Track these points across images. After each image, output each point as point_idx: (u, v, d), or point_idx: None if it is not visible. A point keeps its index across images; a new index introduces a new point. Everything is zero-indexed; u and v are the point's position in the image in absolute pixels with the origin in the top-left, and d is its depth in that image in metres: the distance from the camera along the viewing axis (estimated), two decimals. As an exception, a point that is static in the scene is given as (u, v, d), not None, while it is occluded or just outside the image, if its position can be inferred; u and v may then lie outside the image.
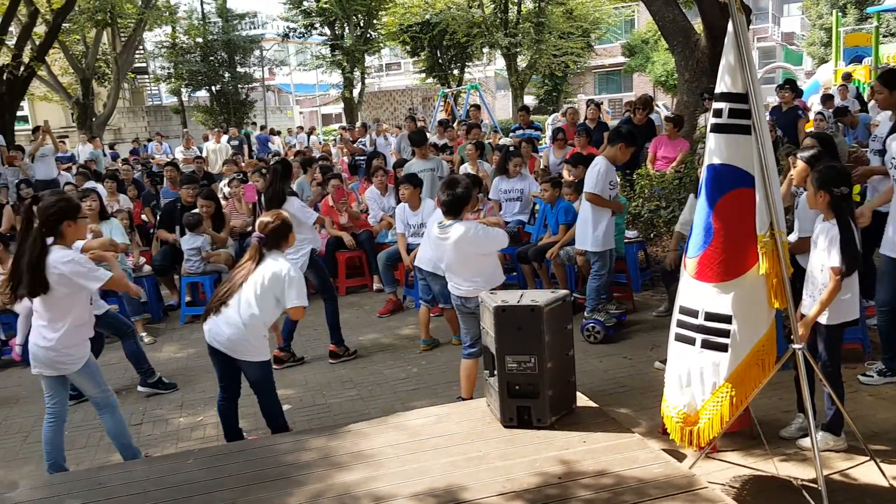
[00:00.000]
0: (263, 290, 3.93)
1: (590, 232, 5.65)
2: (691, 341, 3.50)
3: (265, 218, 4.11)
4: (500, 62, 29.89)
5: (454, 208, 4.32)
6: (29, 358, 3.94)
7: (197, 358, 6.22)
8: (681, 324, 3.56)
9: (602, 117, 11.27)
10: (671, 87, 26.96)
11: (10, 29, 14.46)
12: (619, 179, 6.12)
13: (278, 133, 22.71)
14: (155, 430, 4.80)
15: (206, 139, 16.45)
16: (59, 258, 3.68)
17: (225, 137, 17.02)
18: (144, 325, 6.91)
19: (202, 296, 7.60)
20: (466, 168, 8.48)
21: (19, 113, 15.73)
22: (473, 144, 8.93)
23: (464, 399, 4.46)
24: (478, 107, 14.39)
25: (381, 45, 29.56)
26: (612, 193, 5.70)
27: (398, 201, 7.08)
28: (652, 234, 8.02)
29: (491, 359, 3.75)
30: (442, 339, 6.03)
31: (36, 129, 11.83)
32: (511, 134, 14.68)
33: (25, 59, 13.11)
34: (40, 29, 15.51)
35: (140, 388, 5.44)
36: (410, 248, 6.64)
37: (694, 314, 3.49)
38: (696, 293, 3.50)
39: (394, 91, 33.99)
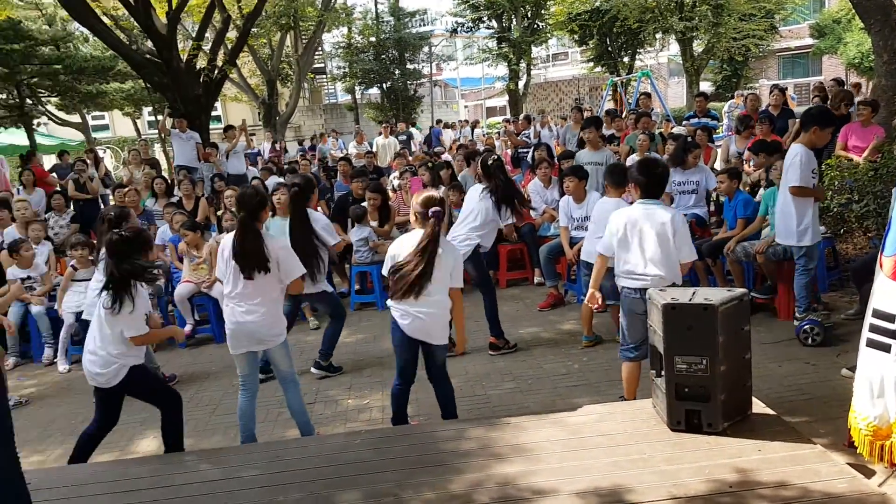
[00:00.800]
0: (445, 272, 4.02)
1: (794, 226, 5.27)
2: (886, 348, 3.17)
3: (433, 194, 4.18)
4: (674, 48, 28.66)
5: (656, 190, 4.17)
6: (227, 337, 4.26)
7: (365, 344, 6.50)
8: (874, 328, 3.23)
9: (787, 104, 10.45)
10: (866, 69, 24.57)
11: (206, 35, 15.81)
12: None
13: (451, 126, 23.25)
14: (326, 410, 5.05)
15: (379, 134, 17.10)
16: (276, 243, 4.14)
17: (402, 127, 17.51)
18: (311, 312, 7.29)
19: (370, 284, 7.92)
20: (636, 159, 8.19)
21: (213, 113, 17.18)
22: (646, 134, 8.60)
23: (626, 400, 4.32)
24: (648, 95, 13.88)
25: (549, 35, 29.32)
26: (815, 181, 5.29)
27: (562, 194, 6.97)
28: (842, 230, 7.33)
29: (658, 358, 3.59)
30: (605, 336, 5.88)
31: (228, 128, 12.82)
32: (684, 122, 14.03)
33: (219, 63, 14.24)
34: (232, 34, 16.84)
35: (314, 370, 5.75)
36: (573, 242, 6.53)
37: (891, 318, 3.15)
38: (893, 296, 3.15)
39: (560, 81, 33.59)
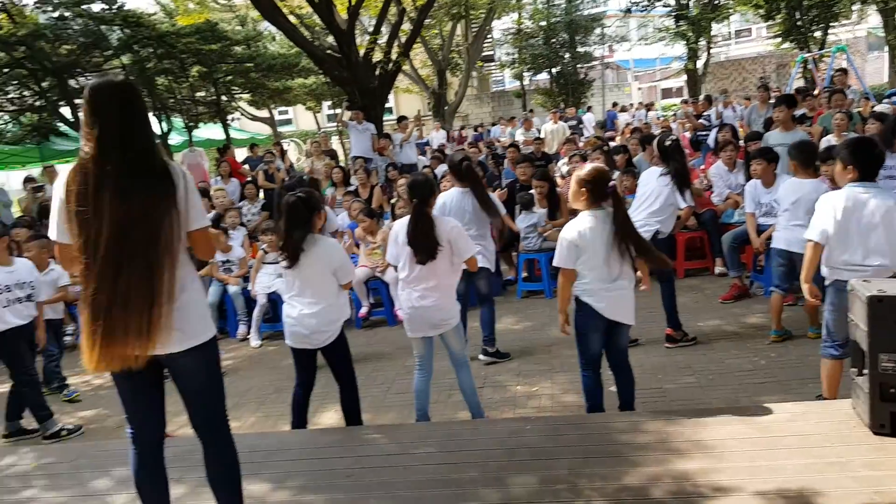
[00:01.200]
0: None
1: None
2: None
3: (595, 165, 4.05)
4: (874, 19, 25.92)
5: (874, 171, 3.80)
6: (405, 321, 4.37)
7: (532, 331, 6.47)
8: None
9: None
10: None
11: (382, 29, 16.41)
12: None
13: (625, 109, 22.65)
14: (495, 395, 5.08)
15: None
16: (447, 224, 4.22)
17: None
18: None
19: (537, 272, 7.87)
20: (830, 140, 7.49)
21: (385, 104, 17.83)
22: (844, 113, 7.83)
23: (825, 399, 3.97)
24: (844, 71, 12.64)
25: (731, 10, 27.53)
26: None
27: (748, 178, 6.52)
28: None
29: (860, 355, 3.26)
30: (796, 330, 5.44)
31: (401, 119, 13.27)
32: (885, 100, 12.63)
33: (394, 56, 14.75)
34: (405, 26, 17.34)
35: (481, 357, 5.78)
36: (761, 230, 6.09)
37: None
38: None
39: (743, 60, 31.57)
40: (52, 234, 2.58)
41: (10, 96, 17.30)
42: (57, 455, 4.20)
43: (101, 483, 3.67)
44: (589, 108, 21.80)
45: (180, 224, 2.54)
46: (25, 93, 17.30)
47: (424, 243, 4.14)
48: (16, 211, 12.75)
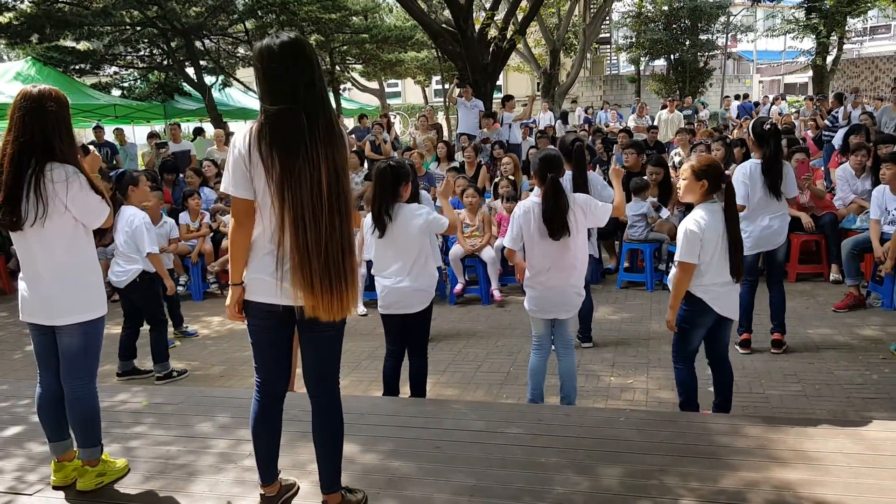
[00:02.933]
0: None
1: None
2: None
3: (708, 155, 3.88)
4: None
5: None
6: (535, 301, 4.26)
7: (630, 323, 6.33)
8: None
9: None
10: None
11: (499, 6, 16.29)
12: None
13: (756, 104, 21.77)
14: (587, 384, 5.00)
15: (663, 107, 16.43)
16: (578, 198, 4.13)
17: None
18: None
19: (640, 263, 7.68)
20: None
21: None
22: None
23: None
24: None
25: (870, 5, 25.78)
26: None
27: (875, 184, 6.12)
28: None
29: None
30: (915, 347, 5.11)
31: (507, 98, 13.18)
32: None
33: (509, 33, 14.61)
34: (523, 4, 17.14)
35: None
36: (885, 238, 5.72)
37: None
38: None
39: (877, 58, 29.47)
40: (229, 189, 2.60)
41: (140, 54, 18.28)
42: (165, 397, 4.45)
43: (204, 427, 3.87)
44: (702, 104, 20.93)
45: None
46: (155, 51, 18.24)
47: (561, 219, 4.03)
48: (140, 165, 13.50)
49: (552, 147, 6.13)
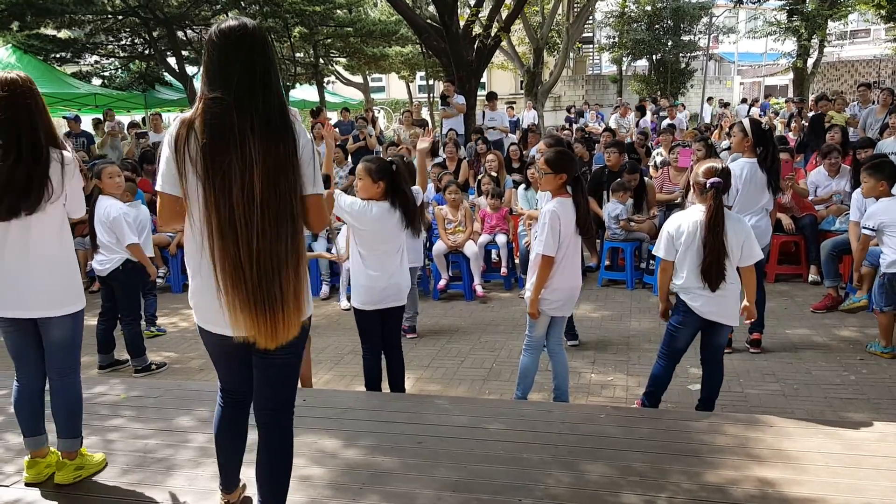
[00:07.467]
0: (736, 249, 3.78)
1: None
2: None
3: (714, 164, 3.89)
4: None
5: None
6: (559, 301, 4.20)
7: (611, 321, 6.36)
8: None
9: None
10: None
11: (483, 3, 16.26)
12: None
13: (752, 105, 21.97)
14: (568, 381, 5.01)
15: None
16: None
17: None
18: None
19: (621, 262, 7.72)
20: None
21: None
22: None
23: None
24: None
25: (851, 9, 26.08)
26: None
27: (854, 185, 6.20)
28: None
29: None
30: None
31: (490, 96, 13.22)
32: None
33: (494, 30, 14.60)
34: (508, 1, 17.13)
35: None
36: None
37: None
38: None
39: (856, 61, 29.90)
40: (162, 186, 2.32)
41: (122, 43, 18.07)
42: (144, 390, 4.40)
43: (183, 421, 3.83)
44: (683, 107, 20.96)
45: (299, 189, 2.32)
46: (136, 41, 18.03)
47: (590, 220, 4.09)
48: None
49: (565, 142, 5.93)
